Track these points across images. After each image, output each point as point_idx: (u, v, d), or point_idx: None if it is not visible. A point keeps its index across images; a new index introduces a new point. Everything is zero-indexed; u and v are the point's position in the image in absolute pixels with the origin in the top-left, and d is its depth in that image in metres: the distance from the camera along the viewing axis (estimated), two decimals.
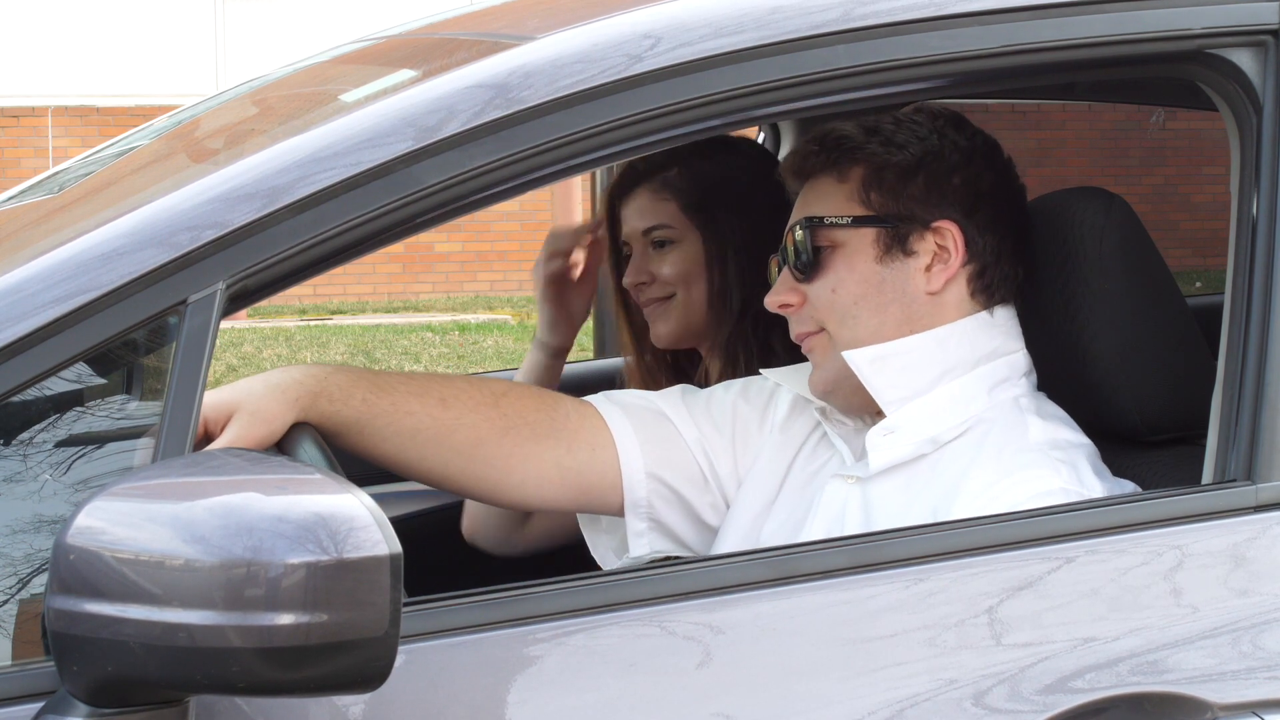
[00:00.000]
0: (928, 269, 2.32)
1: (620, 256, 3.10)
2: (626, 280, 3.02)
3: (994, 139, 2.42)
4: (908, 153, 2.34)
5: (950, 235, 2.32)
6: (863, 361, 2.29)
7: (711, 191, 2.96)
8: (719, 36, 2.00)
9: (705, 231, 2.95)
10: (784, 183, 2.47)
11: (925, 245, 2.32)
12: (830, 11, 2.03)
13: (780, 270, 2.39)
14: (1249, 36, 2.11)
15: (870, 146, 2.35)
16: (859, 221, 2.33)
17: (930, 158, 2.35)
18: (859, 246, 2.33)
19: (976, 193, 2.35)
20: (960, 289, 2.33)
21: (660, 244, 2.99)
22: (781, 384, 2.47)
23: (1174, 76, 2.18)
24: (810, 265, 2.34)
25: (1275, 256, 2.08)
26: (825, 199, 2.36)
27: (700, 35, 2.00)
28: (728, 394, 2.49)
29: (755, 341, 2.90)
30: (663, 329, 3.00)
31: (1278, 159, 2.09)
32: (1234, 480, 2.05)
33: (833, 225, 2.34)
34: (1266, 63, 2.11)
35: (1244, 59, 2.11)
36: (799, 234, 2.35)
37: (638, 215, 3.01)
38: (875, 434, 2.30)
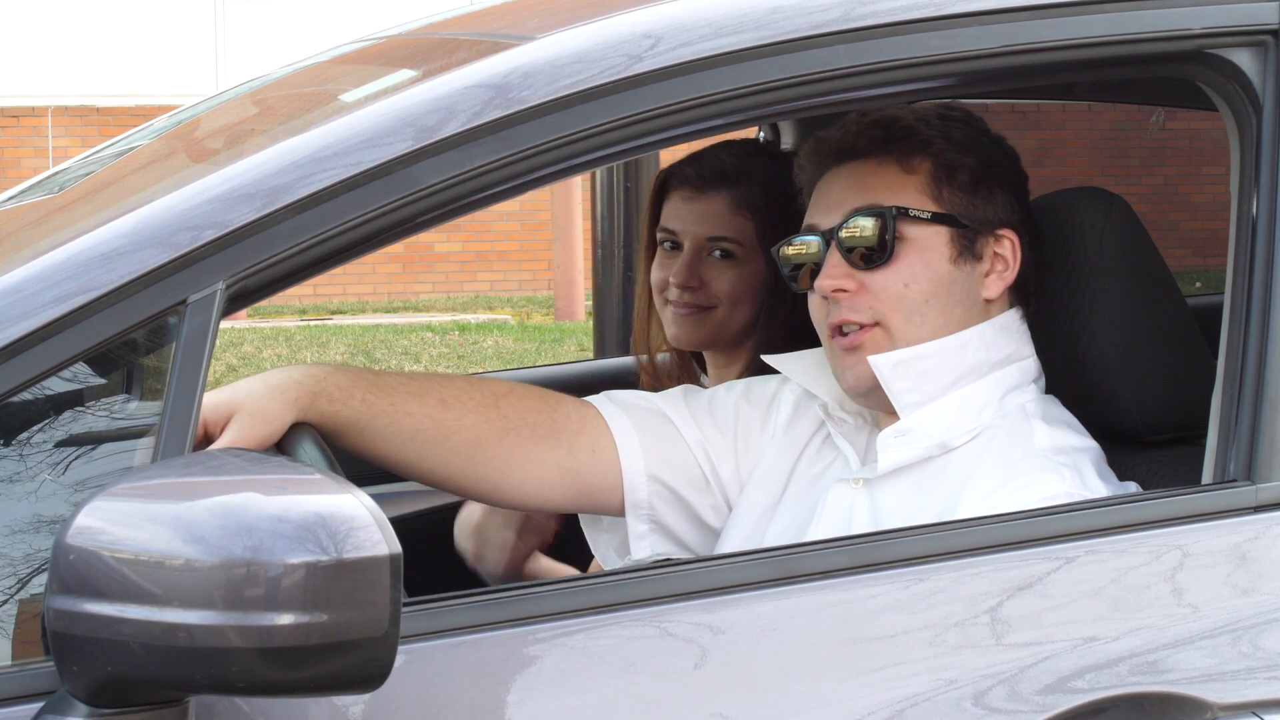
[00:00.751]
0: (987, 275, 2.32)
1: (654, 243, 3.01)
2: (675, 279, 2.92)
3: (1012, 147, 2.42)
4: (975, 155, 2.33)
5: (1010, 244, 2.33)
6: (885, 365, 2.27)
7: (779, 215, 2.82)
8: (719, 36, 1.99)
9: (772, 260, 2.88)
10: (806, 161, 2.41)
11: (988, 251, 2.32)
12: (830, 11, 2.03)
13: (825, 251, 2.32)
14: (1249, 36, 2.10)
15: (938, 142, 2.33)
16: (939, 219, 2.30)
17: (992, 162, 2.35)
18: (934, 244, 2.30)
19: (1024, 203, 2.36)
20: (1005, 299, 2.34)
21: (723, 254, 2.92)
22: (787, 379, 2.46)
23: (1174, 76, 2.18)
24: (880, 255, 2.29)
25: (1275, 256, 2.08)
26: (892, 188, 2.31)
27: (700, 35, 1.99)
28: (730, 395, 2.48)
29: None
30: (686, 333, 2.93)
31: (1278, 159, 2.09)
32: (1234, 480, 2.05)
33: (914, 218, 2.29)
34: (1266, 63, 2.11)
35: (1244, 59, 2.11)
36: (869, 221, 2.29)
37: (708, 220, 2.93)
38: (887, 435, 2.29)
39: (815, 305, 2.35)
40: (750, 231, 2.90)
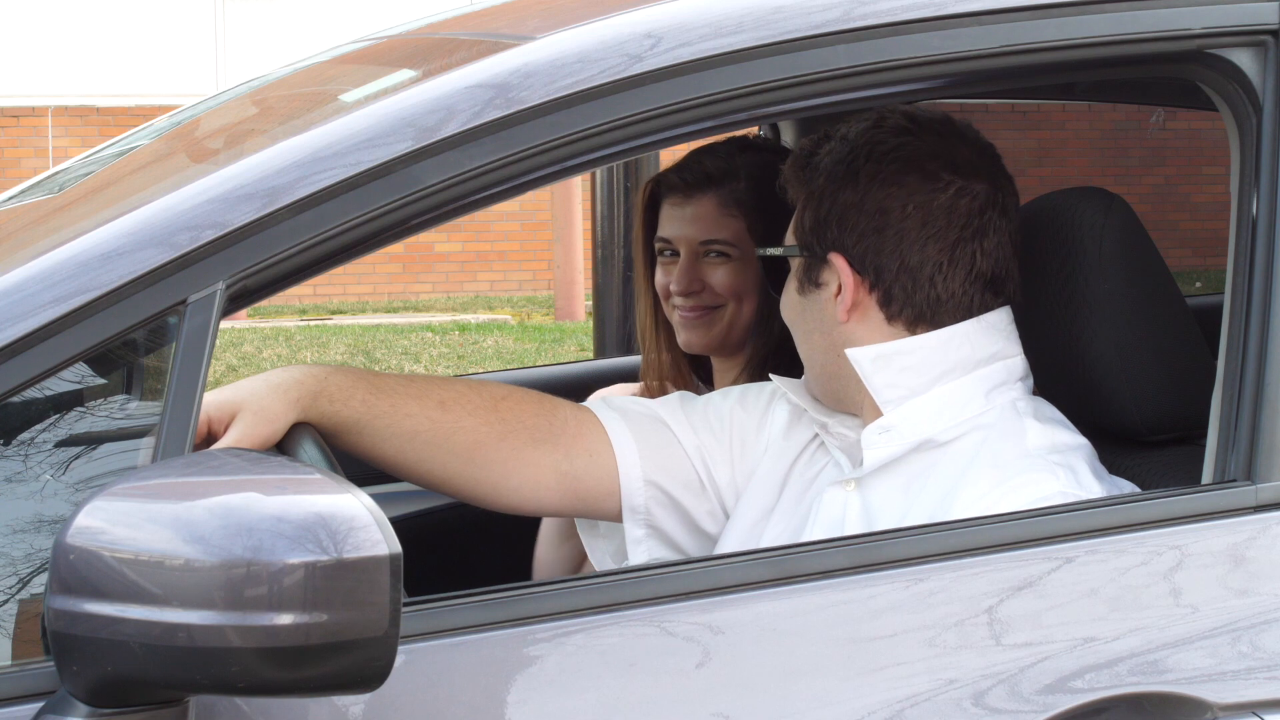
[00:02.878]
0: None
1: (652, 251, 3.03)
2: (676, 287, 2.94)
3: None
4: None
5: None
6: (865, 359, 2.29)
7: (771, 210, 2.82)
8: (719, 36, 1.99)
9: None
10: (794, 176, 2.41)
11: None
12: (830, 11, 2.03)
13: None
14: (1249, 36, 2.10)
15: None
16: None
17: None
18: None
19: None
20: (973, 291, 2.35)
21: (718, 255, 2.93)
22: (784, 390, 2.46)
23: (1174, 76, 2.18)
24: None
25: (1275, 256, 2.08)
26: None
27: (700, 35, 2.00)
28: (725, 401, 2.48)
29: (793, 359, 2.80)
30: (698, 337, 2.94)
31: (1278, 159, 2.09)
32: (1234, 480, 2.05)
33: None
34: (1266, 63, 2.11)
35: (1244, 59, 2.11)
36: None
37: (697, 224, 2.94)
38: (871, 432, 2.29)
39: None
40: (741, 229, 2.91)
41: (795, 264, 2.36)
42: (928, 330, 2.29)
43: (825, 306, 2.32)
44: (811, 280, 2.33)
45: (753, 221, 2.90)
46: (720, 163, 2.94)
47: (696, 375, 3.09)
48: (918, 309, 2.29)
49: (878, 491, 2.28)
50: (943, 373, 2.29)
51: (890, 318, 2.30)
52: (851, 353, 2.29)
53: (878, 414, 2.30)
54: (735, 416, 2.46)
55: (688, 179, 2.96)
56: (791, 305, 2.37)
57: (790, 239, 2.37)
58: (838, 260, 2.30)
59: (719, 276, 2.92)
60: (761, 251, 2.45)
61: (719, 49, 1.99)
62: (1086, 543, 1.99)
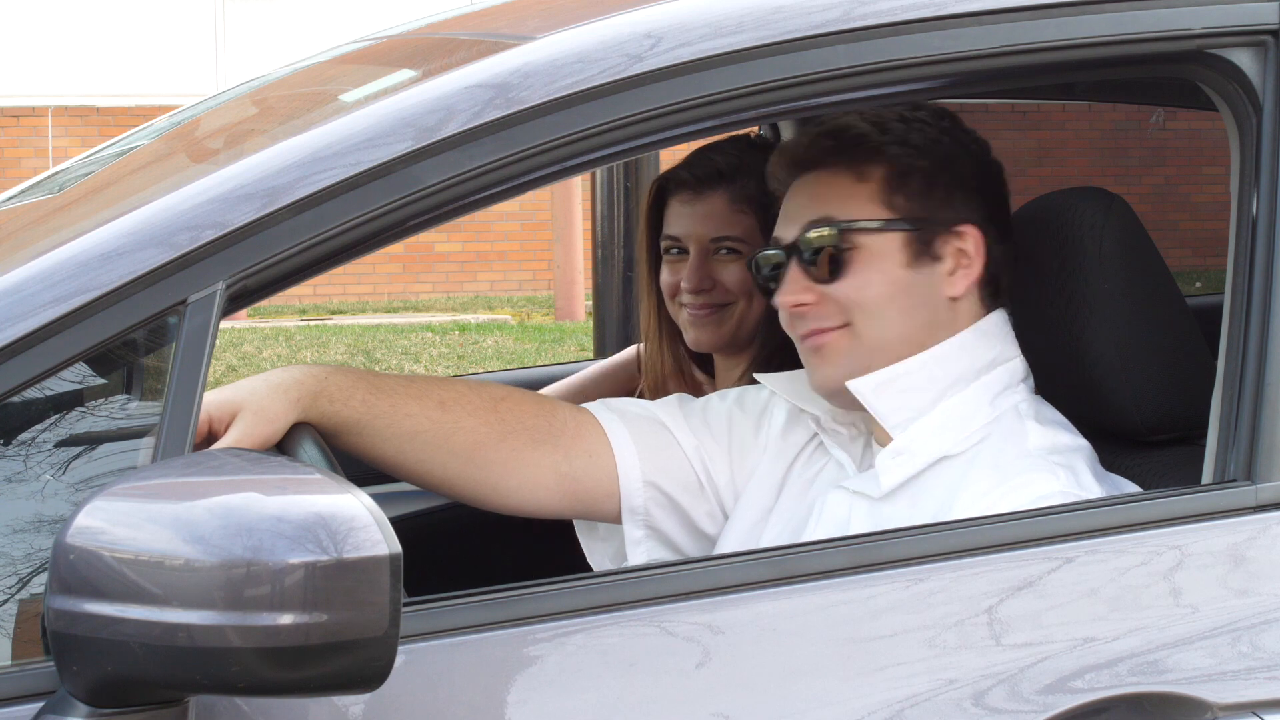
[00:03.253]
0: (950, 273, 2.31)
1: (657, 251, 3.03)
2: (687, 285, 2.94)
3: (984, 139, 2.41)
4: (929, 156, 2.32)
5: (971, 239, 2.31)
6: (867, 390, 2.27)
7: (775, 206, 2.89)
8: (719, 36, 1.99)
9: None
10: (774, 171, 2.41)
11: (949, 249, 2.31)
12: (830, 11, 2.03)
13: (785, 266, 2.33)
14: (1249, 36, 2.10)
15: (891, 148, 2.32)
16: (889, 225, 2.30)
17: (950, 162, 2.34)
18: (887, 250, 2.29)
19: (989, 196, 2.35)
20: (974, 294, 2.33)
21: (729, 252, 2.93)
22: (774, 389, 2.46)
23: (1174, 76, 2.18)
24: (834, 267, 2.29)
25: (1275, 256, 2.08)
26: (844, 199, 2.32)
27: (700, 35, 2.00)
28: (723, 403, 2.48)
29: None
30: (707, 335, 2.94)
31: (1278, 159, 2.09)
32: (1234, 480, 2.05)
33: (862, 229, 2.29)
34: (1266, 63, 2.11)
35: (1244, 59, 2.11)
36: (820, 234, 2.30)
37: (708, 221, 2.94)
38: (885, 457, 2.28)
39: (783, 317, 2.36)
40: (752, 226, 2.91)
41: (899, 237, 2.30)
42: (994, 313, 2.32)
43: (938, 283, 2.31)
44: (930, 253, 2.31)
45: (762, 218, 2.89)
46: (731, 159, 2.94)
47: (701, 374, 3.09)
48: (996, 294, 2.33)
49: (891, 505, 2.28)
50: (946, 387, 2.28)
51: (983, 299, 2.33)
52: (853, 384, 2.27)
53: (888, 437, 2.30)
54: (734, 417, 2.46)
55: (699, 175, 2.96)
56: (892, 281, 2.29)
57: (880, 211, 2.30)
58: (971, 232, 2.31)
59: (730, 274, 2.92)
60: (850, 223, 2.30)
61: (719, 49, 1.99)
62: (1086, 543, 1.99)
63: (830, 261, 2.29)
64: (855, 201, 2.31)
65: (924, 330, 2.29)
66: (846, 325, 2.29)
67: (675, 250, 2.98)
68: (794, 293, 2.31)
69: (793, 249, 2.33)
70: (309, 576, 1.58)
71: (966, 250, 2.31)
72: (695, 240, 2.94)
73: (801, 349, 2.35)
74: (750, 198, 2.91)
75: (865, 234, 2.29)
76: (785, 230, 2.35)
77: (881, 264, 2.29)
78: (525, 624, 1.85)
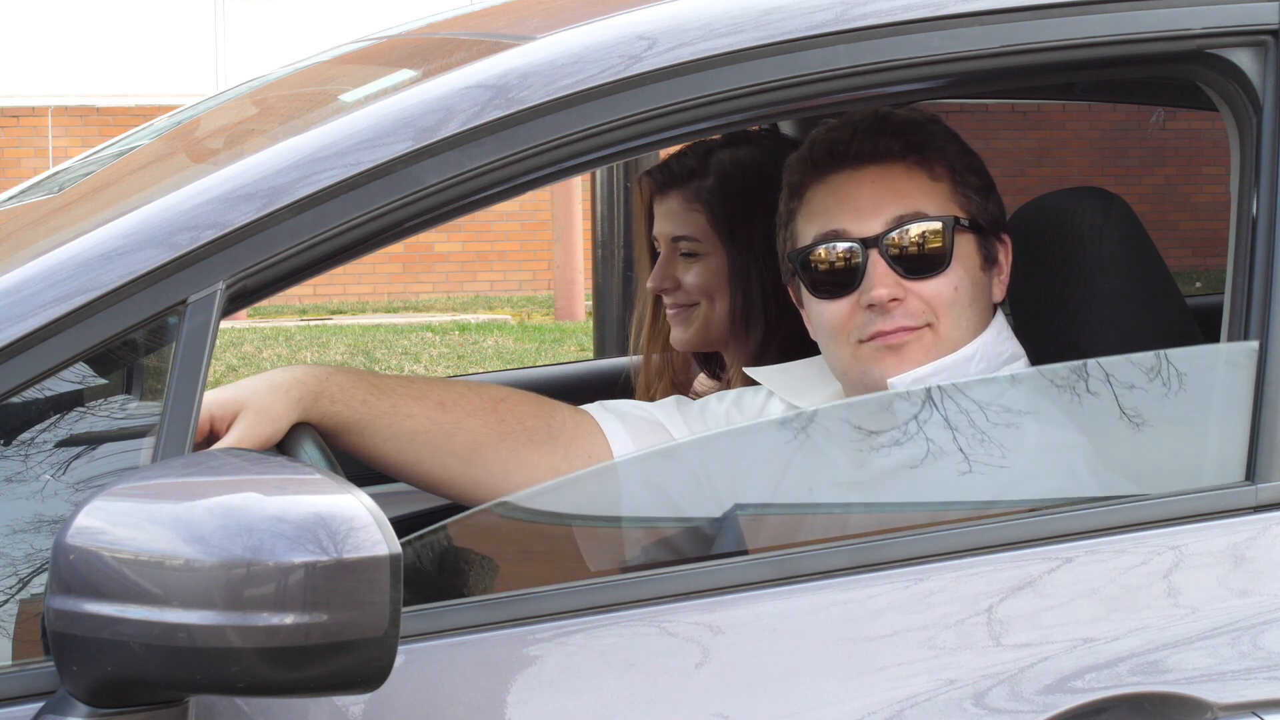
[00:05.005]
0: (999, 277, 2.35)
1: (653, 251, 3.05)
2: (650, 284, 2.98)
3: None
4: (975, 159, 2.34)
5: (1007, 247, 2.35)
6: (903, 386, 2.27)
7: (740, 204, 2.87)
8: (718, 37, 2.00)
9: (732, 247, 2.87)
10: (804, 163, 2.37)
11: (1001, 254, 2.35)
12: (829, 11, 2.03)
13: (864, 261, 2.26)
14: (1249, 36, 2.11)
15: (950, 147, 2.32)
16: (972, 227, 2.30)
17: (982, 167, 2.35)
18: (968, 251, 2.29)
19: (1001, 205, 2.37)
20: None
21: (687, 254, 2.94)
22: (774, 392, 2.46)
23: (1174, 76, 2.18)
24: (927, 264, 2.27)
25: (1275, 256, 2.08)
26: (927, 195, 2.29)
27: (699, 35, 2.00)
28: (721, 404, 2.49)
29: (786, 355, 2.74)
30: (681, 335, 2.96)
31: (1278, 159, 2.09)
32: (1234, 480, 2.05)
33: (959, 228, 2.28)
34: (1266, 63, 2.11)
35: (1244, 59, 2.11)
36: (922, 229, 2.26)
37: (669, 219, 2.96)
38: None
39: (842, 314, 2.30)
40: (704, 223, 2.91)
41: (974, 239, 2.30)
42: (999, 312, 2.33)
43: (993, 288, 2.34)
44: (990, 257, 2.33)
45: (715, 215, 2.90)
46: (691, 161, 2.95)
47: (708, 371, 3.09)
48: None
49: None
50: None
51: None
52: (894, 381, 2.26)
53: None
54: (731, 418, 2.46)
55: (657, 177, 2.99)
56: (974, 282, 2.30)
57: (956, 210, 2.30)
58: (1008, 240, 2.33)
59: (688, 273, 2.93)
60: (950, 218, 2.28)
61: (718, 49, 1.99)
62: (1086, 543, 1.99)
63: (923, 258, 2.27)
64: (938, 199, 2.30)
65: (976, 334, 2.30)
66: (928, 325, 2.27)
67: (659, 249, 3.01)
68: (887, 286, 2.26)
69: (874, 243, 2.27)
70: (309, 576, 1.59)
71: (1003, 257, 2.34)
72: (663, 239, 2.98)
73: (868, 346, 2.29)
74: (703, 196, 2.92)
75: (959, 233, 2.29)
76: (855, 224, 2.29)
77: (967, 264, 2.29)
78: (525, 624, 1.85)
